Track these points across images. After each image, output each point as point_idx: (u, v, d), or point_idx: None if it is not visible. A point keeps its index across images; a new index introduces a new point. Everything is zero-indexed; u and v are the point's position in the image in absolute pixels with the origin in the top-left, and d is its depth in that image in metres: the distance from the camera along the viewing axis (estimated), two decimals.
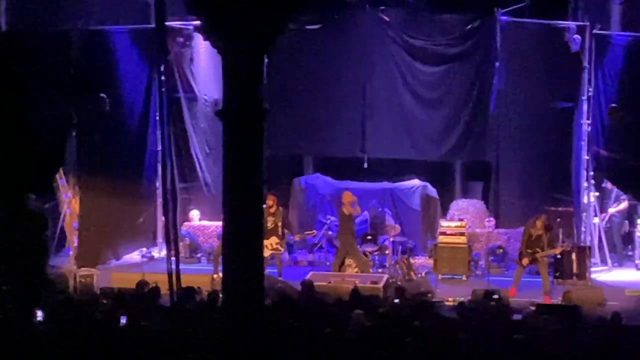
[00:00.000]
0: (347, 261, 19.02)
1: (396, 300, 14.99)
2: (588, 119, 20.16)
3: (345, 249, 19.02)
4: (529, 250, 17.85)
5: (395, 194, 21.70)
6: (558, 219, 19.16)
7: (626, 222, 20.67)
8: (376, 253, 19.93)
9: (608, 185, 20.62)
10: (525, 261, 17.84)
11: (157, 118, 20.13)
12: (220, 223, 19.60)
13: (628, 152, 19.04)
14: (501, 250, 20.19)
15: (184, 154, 21.81)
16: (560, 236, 18.91)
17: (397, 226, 20.74)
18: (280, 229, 18.98)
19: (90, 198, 20.15)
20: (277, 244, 18.84)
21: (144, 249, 21.32)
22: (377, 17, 21.30)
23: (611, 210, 20.52)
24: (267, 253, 17.80)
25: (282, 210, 19.32)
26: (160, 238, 21.37)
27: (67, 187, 20.05)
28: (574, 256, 18.81)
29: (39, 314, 12.91)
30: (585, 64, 20.01)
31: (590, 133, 20.12)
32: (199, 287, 15.24)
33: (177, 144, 20.93)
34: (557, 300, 16.87)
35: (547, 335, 11.99)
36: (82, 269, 18.92)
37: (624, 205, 20.47)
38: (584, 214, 20.32)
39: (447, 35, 21.28)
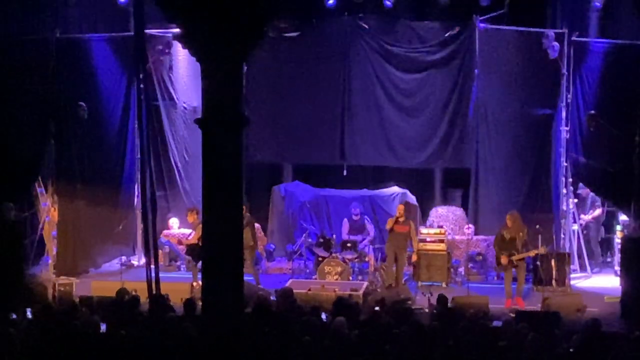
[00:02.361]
0: (327, 268, 19.00)
1: (376, 308, 15.00)
2: (567, 126, 20.23)
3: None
4: (504, 252, 17.85)
5: (374, 201, 21.69)
6: (537, 226, 19.19)
7: (602, 228, 20.76)
8: (356, 260, 19.91)
9: (583, 192, 20.69)
10: (504, 260, 17.78)
11: (136, 126, 20.12)
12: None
13: (606, 159, 19.08)
14: (480, 257, 20.18)
15: (163, 162, 21.71)
16: (540, 243, 18.93)
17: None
18: (249, 237, 18.85)
19: (69, 206, 20.13)
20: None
21: (123, 257, 21.21)
22: (355, 25, 21.34)
23: (585, 217, 20.60)
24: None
25: (250, 217, 19.21)
26: (139, 246, 21.28)
27: (45, 196, 19.99)
28: (553, 263, 18.80)
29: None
30: (564, 70, 20.07)
31: (569, 140, 20.19)
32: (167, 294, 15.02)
33: (156, 152, 20.80)
34: (537, 307, 16.90)
35: (526, 342, 12.00)
36: (61, 277, 18.88)
37: (598, 211, 20.56)
38: (563, 220, 20.40)
39: (425, 43, 21.34)
